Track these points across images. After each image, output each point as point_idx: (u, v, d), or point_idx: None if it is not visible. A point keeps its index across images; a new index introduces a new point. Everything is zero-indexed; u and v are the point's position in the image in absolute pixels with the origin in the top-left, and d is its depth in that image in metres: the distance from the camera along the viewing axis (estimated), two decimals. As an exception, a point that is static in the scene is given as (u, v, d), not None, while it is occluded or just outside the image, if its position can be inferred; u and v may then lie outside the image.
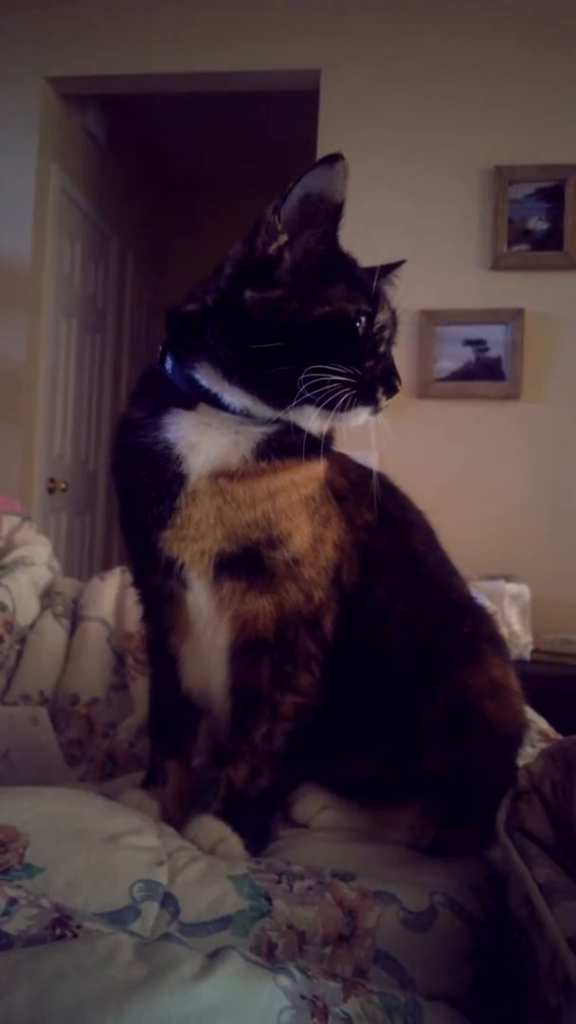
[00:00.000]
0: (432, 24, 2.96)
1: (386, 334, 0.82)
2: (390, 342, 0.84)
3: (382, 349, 0.82)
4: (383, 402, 0.80)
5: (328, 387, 0.75)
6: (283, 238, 0.77)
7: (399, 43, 2.98)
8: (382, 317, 0.81)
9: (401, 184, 2.91)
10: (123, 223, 4.15)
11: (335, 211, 0.78)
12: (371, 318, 0.79)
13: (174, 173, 4.76)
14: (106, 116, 3.72)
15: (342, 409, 0.77)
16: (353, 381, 0.77)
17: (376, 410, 0.80)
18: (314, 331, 0.76)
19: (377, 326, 0.81)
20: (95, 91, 3.38)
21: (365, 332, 0.79)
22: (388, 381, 0.80)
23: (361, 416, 0.80)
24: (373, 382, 0.79)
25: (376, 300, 0.81)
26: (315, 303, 0.76)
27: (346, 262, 0.81)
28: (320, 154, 3.02)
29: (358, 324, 0.78)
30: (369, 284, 0.81)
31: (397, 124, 2.97)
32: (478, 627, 0.93)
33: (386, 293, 0.84)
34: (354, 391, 0.77)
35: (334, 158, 0.75)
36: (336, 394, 0.76)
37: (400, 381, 0.82)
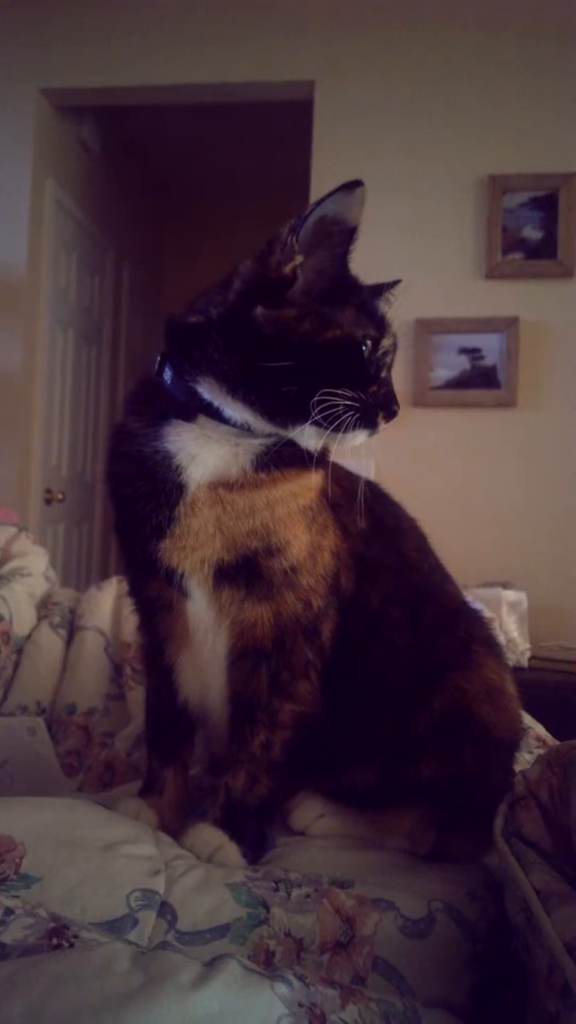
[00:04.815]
0: (425, 35, 2.98)
1: (388, 359, 0.84)
2: (390, 367, 0.85)
3: (384, 374, 0.83)
4: (382, 426, 0.81)
5: (335, 410, 0.76)
6: (299, 259, 0.78)
7: (392, 54, 3.00)
8: (386, 342, 0.82)
9: (395, 194, 2.92)
10: (119, 233, 4.16)
11: (349, 234, 0.78)
12: (377, 343, 0.80)
13: (170, 183, 4.78)
14: (101, 127, 3.74)
15: (344, 431, 0.78)
16: (357, 405, 0.78)
17: (374, 433, 0.81)
18: (324, 353, 0.77)
19: (381, 351, 0.82)
20: (91, 103, 3.40)
21: (370, 357, 0.80)
22: (388, 406, 0.81)
23: (359, 438, 0.81)
24: (375, 406, 0.80)
25: (382, 326, 0.82)
26: (327, 326, 0.77)
27: (355, 285, 0.82)
28: (315, 164, 3.05)
29: (364, 348, 0.79)
30: (376, 309, 0.82)
31: (391, 134, 2.99)
32: (472, 631, 0.93)
33: (389, 318, 0.85)
34: (357, 415, 0.78)
35: (354, 184, 0.76)
36: (340, 418, 0.77)
37: (399, 406, 0.83)
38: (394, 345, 0.85)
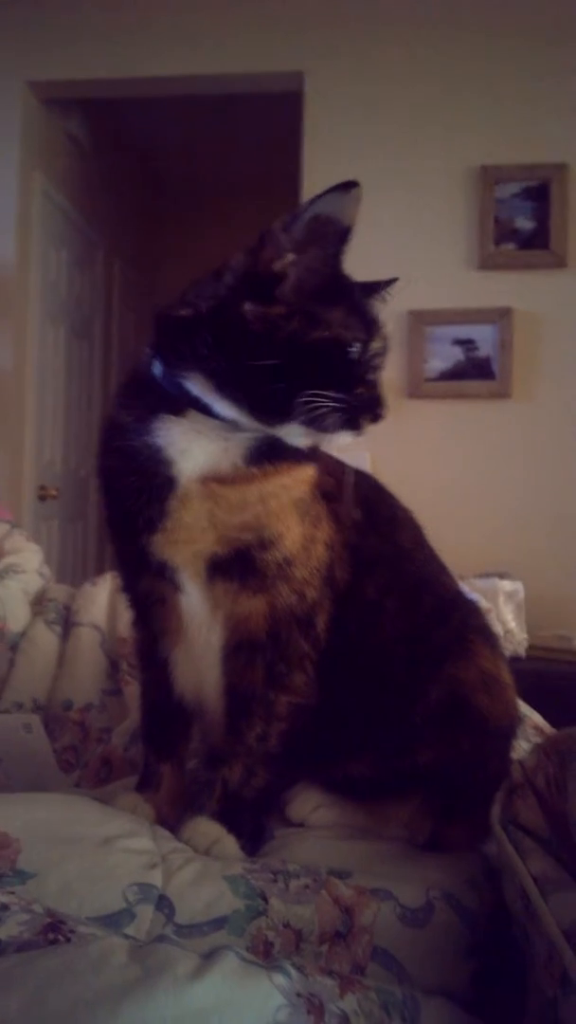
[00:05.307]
0: (415, 25, 2.97)
1: (377, 362, 0.83)
2: (380, 369, 0.84)
3: (372, 376, 0.82)
4: (366, 428, 0.81)
5: (317, 412, 0.76)
6: (290, 256, 0.77)
7: (382, 45, 2.98)
8: (376, 345, 0.82)
9: (387, 185, 2.91)
10: (109, 228, 4.14)
11: (343, 234, 0.78)
12: (366, 346, 0.80)
13: (159, 176, 4.76)
14: (89, 120, 3.72)
15: (327, 431, 0.78)
16: (342, 407, 0.77)
17: (359, 435, 0.81)
18: (311, 353, 0.76)
19: (370, 353, 0.81)
20: (77, 95, 3.38)
21: (358, 359, 0.79)
22: (374, 409, 0.80)
23: (344, 439, 0.80)
24: (360, 409, 0.79)
25: (372, 328, 0.81)
26: (315, 326, 0.76)
27: (347, 286, 0.81)
28: (306, 155, 3.04)
29: (352, 350, 0.78)
30: (367, 310, 0.82)
31: (382, 125, 2.97)
32: (468, 620, 0.93)
33: (380, 320, 0.84)
34: (341, 416, 0.77)
35: (349, 184, 0.75)
36: (325, 419, 0.76)
37: (385, 409, 0.82)
38: (384, 348, 0.84)
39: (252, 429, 0.80)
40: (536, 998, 0.60)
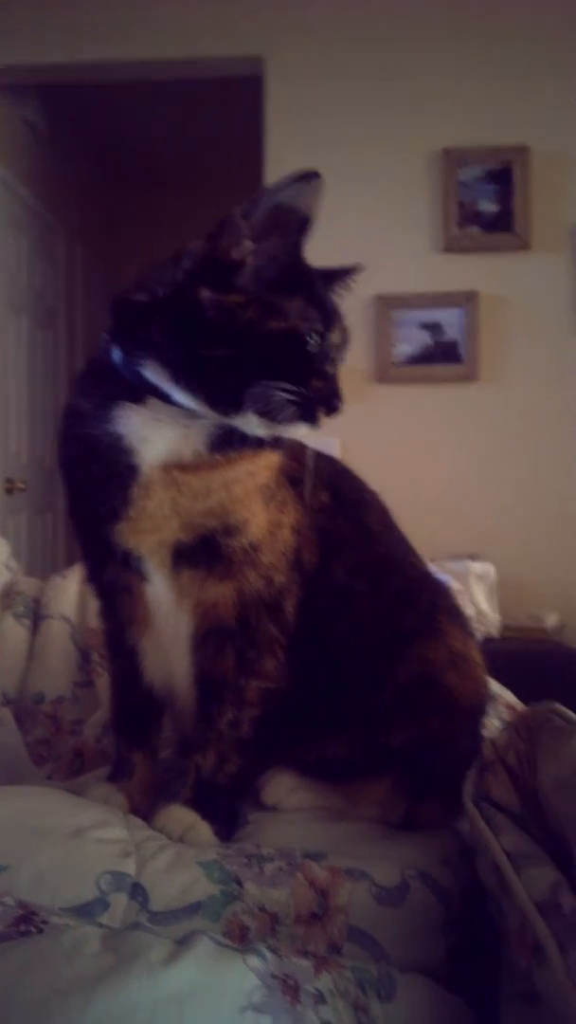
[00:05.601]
0: (374, 8, 2.95)
1: (335, 354, 0.82)
2: (338, 361, 0.83)
3: (329, 368, 0.81)
4: (322, 421, 0.80)
5: (272, 403, 0.75)
6: (248, 244, 0.76)
7: (342, 29, 2.96)
8: (335, 338, 0.81)
9: (350, 170, 2.89)
10: (71, 216, 4.08)
11: (303, 224, 0.77)
12: (324, 337, 0.79)
13: (121, 165, 4.69)
14: (47, 106, 3.65)
15: (283, 423, 0.77)
16: (296, 399, 0.76)
17: (315, 427, 0.80)
18: (266, 344, 0.75)
19: (328, 345, 0.80)
20: (30, 81, 3.31)
21: (316, 351, 0.78)
22: (330, 402, 0.80)
23: (300, 431, 0.80)
24: (316, 401, 0.78)
25: (330, 320, 0.80)
26: (272, 316, 0.75)
27: (307, 275, 0.80)
28: (268, 141, 3.01)
29: (310, 342, 0.77)
30: (326, 301, 0.81)
31: (343, 110, 2.95)
32: (436, 601, 0.94)
33: (340, 312, 0.83)
34: (296, 408, 0.77)
35: (310, 175, 0.74)
36: (279, 410, 0.76)
37: (342, 402, 0.81)
38: (344, 340, 0.83)
39: (210, 418, 0.79)
40: (510, 971, 0.61)
